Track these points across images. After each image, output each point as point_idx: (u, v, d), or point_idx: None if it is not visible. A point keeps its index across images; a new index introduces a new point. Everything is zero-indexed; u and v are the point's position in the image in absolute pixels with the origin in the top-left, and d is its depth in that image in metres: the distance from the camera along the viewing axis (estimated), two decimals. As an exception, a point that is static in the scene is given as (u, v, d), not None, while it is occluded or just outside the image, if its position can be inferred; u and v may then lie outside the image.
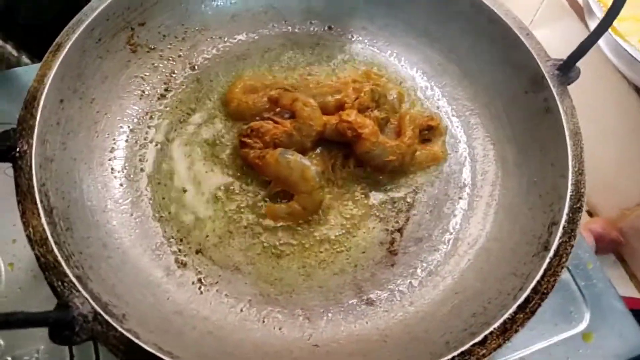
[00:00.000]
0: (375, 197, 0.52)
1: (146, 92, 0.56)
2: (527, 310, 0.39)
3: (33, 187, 0.41)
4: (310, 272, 0.48)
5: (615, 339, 0.51)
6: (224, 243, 0.48)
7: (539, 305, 0.39)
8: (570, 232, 0.43)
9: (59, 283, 0.37)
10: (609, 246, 0.83)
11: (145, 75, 0.56)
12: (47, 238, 0.39)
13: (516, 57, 0.53)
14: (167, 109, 0.56)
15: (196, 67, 0.59)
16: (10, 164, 0.42)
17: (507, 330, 0.39)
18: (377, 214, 0.52)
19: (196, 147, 0.53)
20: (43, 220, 0.40)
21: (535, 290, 0.40)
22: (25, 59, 0.72)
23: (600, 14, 0.73)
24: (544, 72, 0.51)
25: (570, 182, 0.45)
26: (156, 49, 0.57)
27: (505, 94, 0.56)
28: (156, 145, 0.53)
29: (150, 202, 0.50)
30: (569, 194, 0.45)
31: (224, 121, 0.55)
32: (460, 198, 0.53)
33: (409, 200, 0.53)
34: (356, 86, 0.56)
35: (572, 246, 0.42)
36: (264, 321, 0.45)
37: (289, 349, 0.44)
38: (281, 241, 0.49)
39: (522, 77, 0.53)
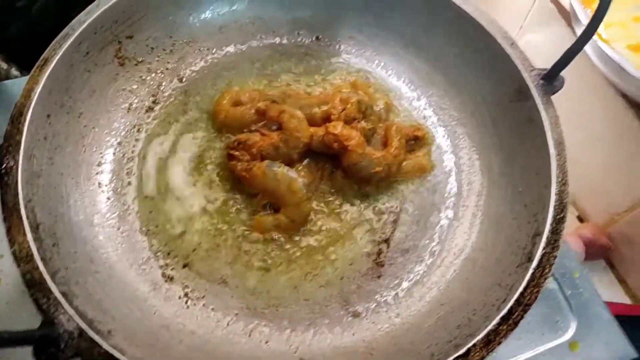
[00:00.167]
0: (363, 208, 0.52)
1: (134, 105, 0.56)
2: (510, 321, 0.40)
3: (19, 203, 0.41)
4: (297, 285, 0.48)
5: (602, 347, 0.51)
6: (211, 256, 0.49)
7: (522, 316, 0.40)
8: (553, 242, 0.43)
9: (45, 300, 0.38)
10: (599, 252, 0.83)
11: (133, 88, 0.57)
12: (32, 255, 0.39)
13: (501, 66, 0.54)
14: (155, 121, 0.56)
15: (184, 79, 0.59)
16: (-5, 181, 0.42)
17: (490, 342, 0.39)
18: (364, 225, 0.52)
19: (184, 159, 0.54)
20: (29, 237, 0.40)
21: (518, 301, 0.40)
22: (14, 71, 0.72)
23: (585, 20, 0.73)
24: (528, 82, 0.51)
25: (553, 192, 0.45)
26: (144, 61, 0.58)
27: (490, 103, 0.56)
28: (143, 158, 0.53)
29: (138, 215, 0.50)
30: (552, 204, 0.45)
31: (211, 133, 0.56)
32: (446, 208, 0.54)
33: (395, 210, 0.53)
34: (343, 97, 0.56)
35: (555, 257, 0.43)
36: (250, 335, 0.45)
37: (276, 362, 0.44)
38: (268, 254, 0.49)
39: (507, 86, 0.53)
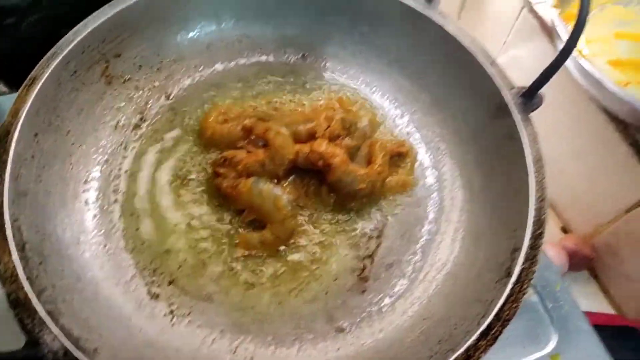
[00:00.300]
0: (347, 224, 0.53)
1: (121, 123, 0.57)
2: (489, 337, 0.40)
3: (4, 223, 0.41)
4: (282, 300, 0.49)
5: (582, 359, 0.52)
6: (197, 273, 0.49)
7: (501, 332, 0.40)
8: (532, 258, 0.44)
9: (29, 320, 0.38)
10: (582, 262, 0.85)
11: (121, 106, 0.57)
12: (17, 275, 0.39)
13: (481, 84, 0.55)
14: (142, 139, 0.56)
15: (171, 97, 0.60)
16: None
17: (470, 358, 0.40)
18: (349, 241, 0.53)
19: (170, 176, 0.54)
20: (14, 256, 0.40)
21: (497, 316, 0.41)
22: (2, 87, 0.72)
23: (566, 37, 0.75)
24: (507, 100, 0.52)
25: (532, 208, 0.46)
26: (132, 79, 0.59)
27: (472, 120, 0.57)
28: (130, 175, 0.54)
29: (124, 233, 0.50)
30: (531, 220, 0.46)
31: (198, 150, 0.56)
32: (429, 222, 0.55)
33: (379, 226, 0.54)
34: (328, 114, 0.57)
35: (533, 272, 0.44)
36: (235, 352, 0.46)
37: (261, 378, 0.45)
38: (253, 270, 0.50)
39: (487, 104, 0.55)
